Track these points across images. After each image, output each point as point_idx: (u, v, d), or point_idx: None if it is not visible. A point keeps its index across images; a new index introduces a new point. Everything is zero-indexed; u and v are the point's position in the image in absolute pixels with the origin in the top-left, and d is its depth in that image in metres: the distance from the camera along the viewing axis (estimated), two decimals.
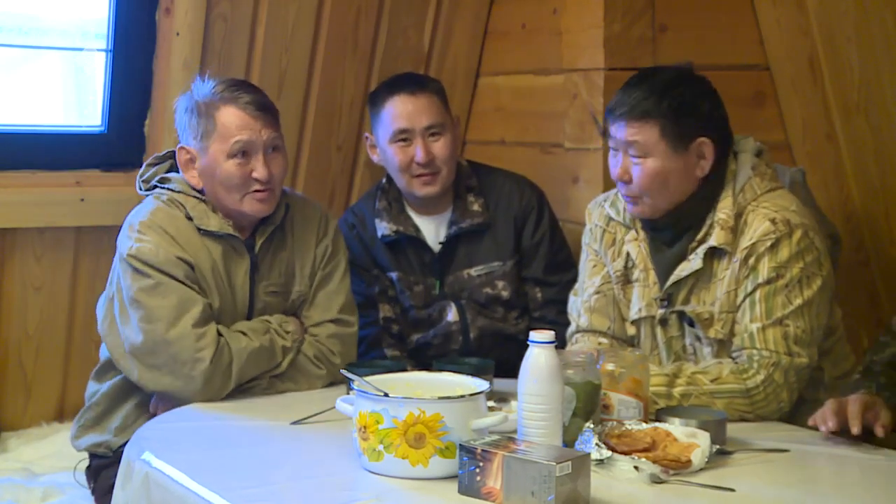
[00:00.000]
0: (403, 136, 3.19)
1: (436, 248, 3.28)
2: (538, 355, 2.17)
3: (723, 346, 2.65)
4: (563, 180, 3.49)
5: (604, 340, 2.78)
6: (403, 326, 3.29)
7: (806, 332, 2.58)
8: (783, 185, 2.79)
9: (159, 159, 2.92)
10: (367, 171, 3.88)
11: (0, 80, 3.57)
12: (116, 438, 2.83)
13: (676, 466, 2.14)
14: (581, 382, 2.28)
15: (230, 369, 2.70)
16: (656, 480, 2.10)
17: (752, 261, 2.60)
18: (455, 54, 3.90)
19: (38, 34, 3.58)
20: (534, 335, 2.18)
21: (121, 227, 2.83)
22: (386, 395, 2.12)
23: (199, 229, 2.78)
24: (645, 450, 2.17)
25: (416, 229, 3.27)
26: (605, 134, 3.10)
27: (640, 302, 2.77)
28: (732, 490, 2.07)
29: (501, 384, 2.56)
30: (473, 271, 3.27)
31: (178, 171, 2.87)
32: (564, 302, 3.00)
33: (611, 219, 2.84)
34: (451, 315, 3.26)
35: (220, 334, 2.72)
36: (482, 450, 2.00)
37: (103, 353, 2.90)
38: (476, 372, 2.42)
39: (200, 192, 2.82)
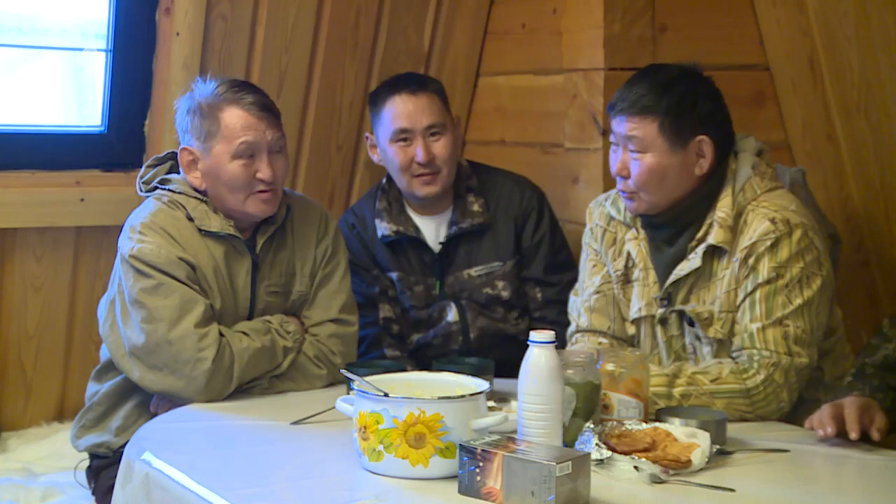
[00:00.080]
0: (404, 136, 3.19)
1: (436, 248, 3.28)
2: (538, 355, 2.17)
3: (722, 346, 2.65)
4: (563, 180, 3.49)
5: (604, 340, 2.78)
6: (403, 326, 3.29)
7: (806, 332, 2.58)
8: (783, 184, 2.79)
9: (159, 160, 2.92)
10: (367, 171, 3.88)
11: (0, 80, 3.57)
12: (117, 439, 2.83)
13: (676, 466, 2.14)
14: (581, 382, 2.28)
15: (232, 370, 2.70)
16: (656, 480, 2.10)
17: (751, 260, 2.60)
18: (455, 54, 3.90)
19: (38, 34, 3.58)
20: (534, 335, 2.18)
21: (121, 228, 2.82)
22: (386, 395, 2.12)
23: (200, 230, 2.78)
24: (645, 450, 2.17)
25: (417, 229, 3.27)
26: (604, 134, 3.10)
27: (639, 301, 2.77)
28: (732, 490, 2.07)
29: (501, 384, 2.56)
30: (473, 271, 3.27)
31: (178, 173, 2.87)
32: (564, 302, 3.00)
33: (612, 218, 2.84)
34: (451, 315, 3.26)
35: (221, 335, 2.72)
36: (482, 450, 2.00)
37: (104, 353, 2.90)
38: (476, 372, 2.42)
39: (202, 192, 2.82)
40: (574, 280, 2.98)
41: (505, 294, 3.27)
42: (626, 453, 2.15)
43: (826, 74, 3.48)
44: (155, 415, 2.75)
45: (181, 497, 2.13)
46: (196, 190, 2.83)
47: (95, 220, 3.52)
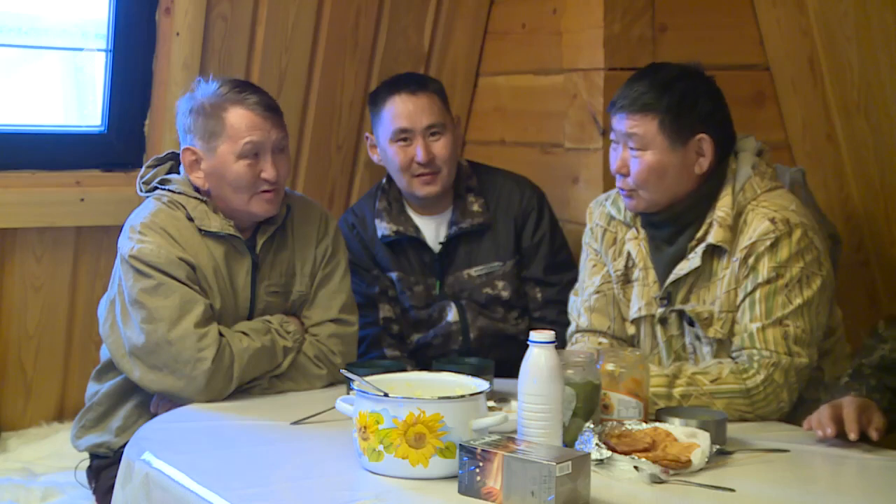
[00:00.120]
0: (404, 136, 3.19)
1: (436, 248, 3.28)
2: (538, 355, 2.17)
3: (722, 346, 2.65)
4: (563, 180, 3.49)
5: (604, 340, 2.78)
6: (403, 326, 3.29)
7: (806, 332, 2.58)
8: (783, 184, 2.79)
9: (159, 161, 2.93)
10: (367, 171, 3.88)
11: (0, 80, 3.57)
12: (117, 439, 2.84)
13: (676, 466, 2.14)
14: (581, 382, 2.28)
15: (232, 370, 2.70)
16: (656, 480, 2.10)
17: (751, 260, 2.60)
18: (455, 54, 3.90)
19: (38, 34, 3.58)
20: (534, 335, 2.18)
21: (121, 228, 2.83)
22: (386, 395, 2.12)
23: (200, 230, 2.78)
24: (645, 450, 2.17)
25: (417, 229, 3.27)
26: (604, 134, 3.10)
27: (639, 301, 2.77)
28: (732, 490, 2.07)
29: (501, 384, 2.56)
30: (473, 271, 3.27)
31: (178, 173, 2.87)
32: (564, 302, 3.00)
33: (612, 217, 2.84)
34: (451, 315, 3.26)
35: (221, 335, 2.72)
36: (482, 450, 2.00)
37: (104, 353, 2.90)
38: (476, 372, 2.42)
39: (205, 193, 2.82)
40: (574, 280, 2.98)
41: (505, 294, 3.27)
42: (626, 453, 2.15)
43: (826, 74, 3.48)
44: (155, 415, 2.75)
45: (181, 497, 2.13)
46: (197, 190, 2.83)
47: (95, 220, 3.52)
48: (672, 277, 2.70)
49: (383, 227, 3.27)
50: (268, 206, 2.81)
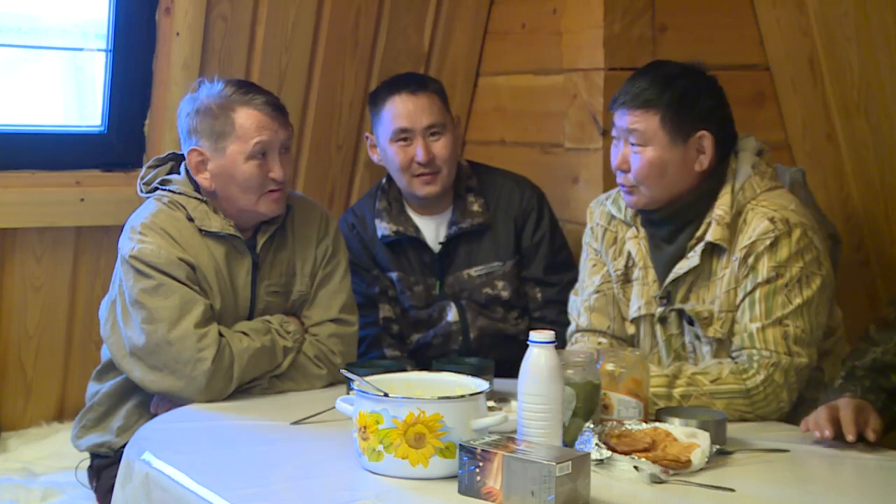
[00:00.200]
0: (404, 136, 3.19)
1: (436, 248, 3.28)
2: (538, 355, 2.17)
3: (722, 345, 2.66)
4: (563, 180, 3.49)
5: (603, 340, 2.78)
6: (403, 326, 3.29)
7: (805, 332, 2.58)
8: (783, 184, 2.80)
9: (160, 161, 2.93)
10: (367, 171, 3.88)
11: (0, 80, 3.57)
12: (118, 438, 2.84)
13: (676, 466, 2.14)
14: (581, 382, 2.28)
15: (232, 370, 2.70)
16: (656, 480, 2.10)
17: (751, 260, 2.60)
18: (455, 54, 3.90)
19: (38, 34, 3.58)
20: (534, 335, 2.18)
21: (121, 228, 2.83)
22: (386, 395, 2.12)
23: (200, 230, 2.79)
24: (645, 450, 2.17)
25: (416, 229, 3.27)
26: (604, 134, 3.10)
27: (639, 300, 2.77)
28: (732, 490, 2.07)
29: (501, 384, 2.56)
30: (473, 271, 3.27)
31: (178, 173, 2.87)
32: (564, 302, 3.00)
33: (612, 217, 2.84)
34: (451, 315, 3.26)
35: (221, 335, 2.72)
36: (482, 450, 2.00)
37: (104, 354, 2.90)
38: (476, 372, 2.42)
39: (211, 194, 2.82)
40: (574, 280, 2.98)
41: (505, 294, 3.27)
42: (626, 453, 2.15)
43: (826, 74, 3.48)
44: (155, 415, 2.75)
45: (181, 497, 2.13)
46: (197, 190, 2.83)
47: (95, 220, 3.52)
48: (671, 276, 2.70)
49: (383, 227, 3.27)
50: (275, 205, 2.82)
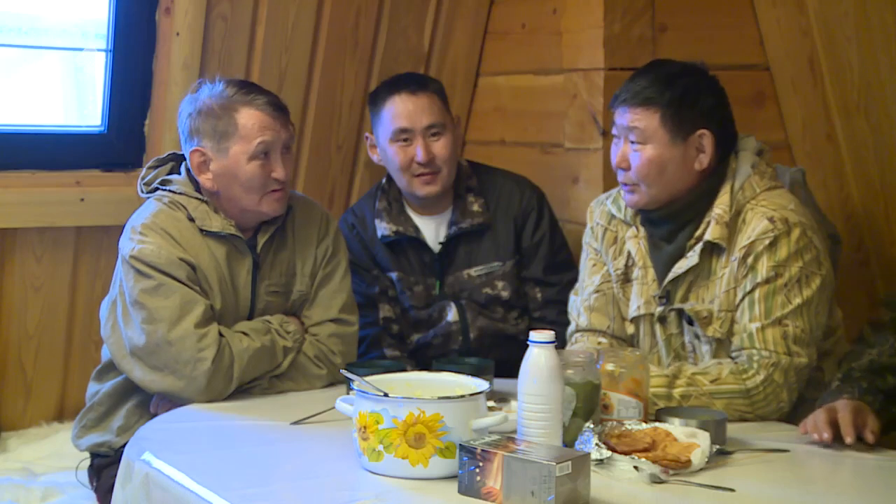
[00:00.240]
0: (404, 136, 3.19)
1: (436, 248, 3.28)
2: (538, 355, 2.17)
3: (721, 345, 2.66)
4: (563, 180, 3.49)
5: (603, 340, 2.78)
6: (403, 326, 3.29)
7: (805, 332, 2.58)
8: (783, 184, 2.80)
9: (160, 162, 2.93)
10: (367, 171, 3.88)
11: (0, 80, 3.57)
12: (118, 438, 2.84)
13: (676, 466, 2.14)
14: (581, 382, 2.28)
15: (232, 370, 2.70)
16: (656, 480, 2.10)
17: (750, 259, 2.60)
18: (455, 54, 3.90)
19: (38, 34, 3.58)
20: (534, 335, 2.18)
21: (122, 228, 2.83)
22: (386, 395, 2.12)
23: (201, 230, 2.79)
24: (645, 450, 2.17)
25: (416, 229, 3.28)
26: (604, 134, 3.10)
27: (638, 299, 2.77)
28: (732, 490, 2.07)
29: (501, 384, 2.56)
30: (473, 271, 3.27)
31: (179, 174, 2.88)
32: (564, 302, 3.00)
33: (612, 216, 2.84)
34: (451, 315, 3.26)
35: (221, 335, 2.72)
36: (482, 450, 2.00)
37: (105, 354, 2.90)
38: (476, 372, 2.42)
39: (213, 194, 2.82)
40: (574, 280, 2.98)
41: (505, 294, 3.27)
42: (626, 453, 2.15)
43: (826, 74, 3.48)
44: (155, 415, 2.75)
45: (181, 497, 2.13)
46: (198, 190, 2.83)
47: (95, 220, 3.52)
48: (671, 276, 2.70)
49: (383, 227, 3.27)
50: (277, 205, 2.82)
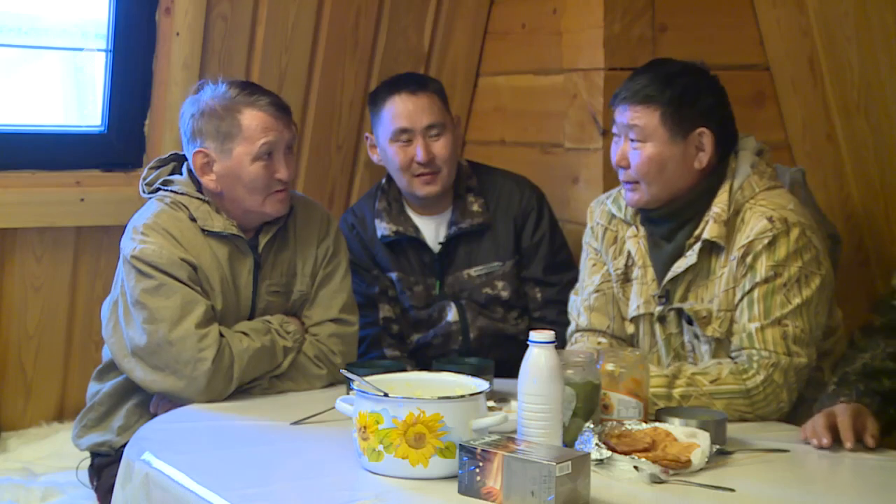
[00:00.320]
0: (404, 136, 3.19)
1: (435, 248, 3.28)
2: (538, 355, 2.17)
3: (720, 345, 2.66)
4: (563, 180, 3.49)
5: (603, 340, 2.78)
6: (403, 326, 3.29)
7: (805, 332, 2.58)
8: (783, 184, 2.80)
9: (162, 162, 2.93)
10: (367, 171, 3.88)
11: (0, 80, 3.57)
12: (119, 437, 2.84)
13: (676, 466, 2.14)
14: (581, 382, 2.28)
15: (232, 370, 2.71)
16: (656, 480, 2.10)
17: (749, 259, 2.60)
18: (455, 54, 3.90)
19: (38, 34, 3.58)
20: (534, 335, 2.18)
21: (123, 228, 2.83)
22: (386, 395, 2.12)
23: (203, 230, 2.79)
24: (645, 450, 2.17)
25: (416, 230, 3.27)
26: (604, 134, 3.10)
27: (638, 299, 2.77)
28: (732, 490, 2.07)
29: (501, 384, 2.56)
30: (473, 271, 3.27)
31: (180, 174, 2.88)
32: (564, 302, 3.00)
33: (613, 216, 2.84)
34: (451, 315, 3.26)
35: (221, 335, 2.72)
36: (482, 450, 2.00)
37: (105, 354, 2.91)
38: (476, 372, 2.42)
39: (216, 195, 2.82)
40: (574, 280, 2.98)
41: (504, 294, 3.27)
42: (626, 453, 2.15)
43: (826, 74, 3.48)
44: (155, 415, 2.75)
45: (181, 497, 2.13)
46: (199, 191, 2.83)
47: (95, 220, 3.52)
48: (670, 275, 2.70)
49: (383, 228, 3.27)
50: (280, 205, 2.83)
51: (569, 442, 2.22)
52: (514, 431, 2.18)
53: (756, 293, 2.59)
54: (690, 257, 2.67)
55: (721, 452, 2.24)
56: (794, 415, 2.59)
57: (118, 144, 3.56)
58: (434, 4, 3.84)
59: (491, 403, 2.42)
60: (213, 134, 2.78)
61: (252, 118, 2.78)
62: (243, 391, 2.76)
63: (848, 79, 3.45)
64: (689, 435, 2.23)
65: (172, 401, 2.74)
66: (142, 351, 2.70)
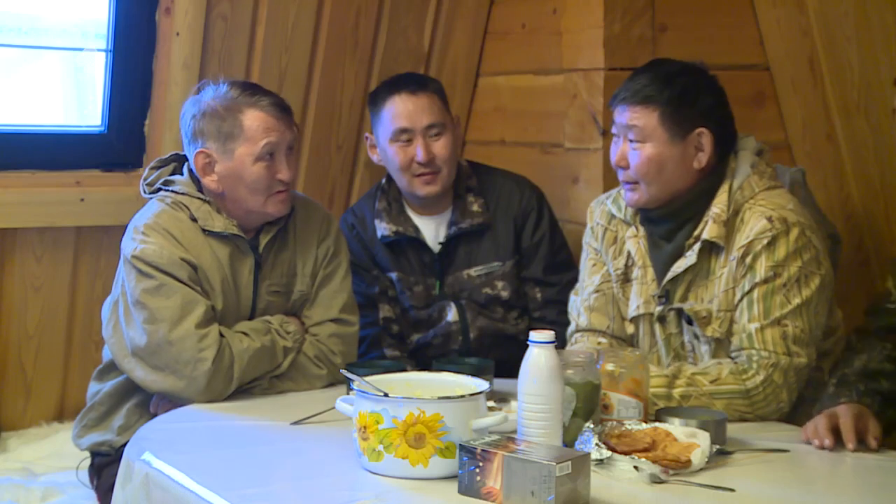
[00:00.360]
0: (404, 136, 3.19)
1: (435, 248, 3.28)
2: (538, 355, 2.17)
3: (720, 345, 2.66)
4: (563, 180, 3.49)
5: (603, 340, 2.78)
6: (403, 326, 3.29)
7: (805, 332, 2.58)
8: (782, 184, 2.80)
9: (162, 162, 2.93)
10: (367, 171, 3.88)
11: (0, 80, 3.57)
12: (119, 437, 2.84)
13: (676, 466, 2.14)
14: (581, 382, 2.28)
15: (232, 370, 2.71)
16: (656, 480, 2.10)
17: (749, 259, 2.60)
18: (455, 54, 3.90)
19: (38, 34, 3.58)
20: (534, 335, 2.18)
21: (123, 228, 2.83)
22: (386, 395, 2.12)
23: (203, 230, 2.79)
24: (645, 450, 2.17)
25: (416, 230, 3.27)
26: (604, 134, 3.10)
27: (638, 299, 2.77)
28: (732, 490, 2.07)
29: (501, 384, 2.56)
30: (473, 271, 3.27)
31: (181, 174, 2.88)
32: (564, 302, 3.00)
33: (613, 216, 2.84)
34: (451, 315, 3.26)
35: (221, 335, 2.72)
36: (482, 450, 2.00)
37: (106, 354, 2.91)
38: (476, 372, 2.42)
39: (218, 195, 2.82)
40: (574, 280, 2.98)
41: (504, 294, 3.27)
42: (626, 453, 2.15)
43: (826, 74, 3.48)
44: (155, 415, 2.76)
45: (181, 497, 2.13)
46: (200, 191, 2.83)
47: (95, 220, 3.52)
48: (670, 275, 2.70)
49: (383, 228, 3.27)
50: (282, 206, 2.83)
51: (569, 442, 2.22)
52: (514, 431, 2.18)
53: (756, 293, 2.59)
54: (690, 257, 2.67)
55: (721, 452, 2.24)
56: (794, 415, 2.59)
57: (118, 144, 3.56)
58: (434, 4, 3.84)
59: (491, 403, 2.42)
60: (215, 134, 2.78)
61: (254, 119, 2.78)
62: (243, 391, 2.76)
63: (848, 79, 3.46)
64: (689, 435, 2.23)
65: (172, 401, 2.74)
66: (142, 351, 2.71)
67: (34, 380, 3.59)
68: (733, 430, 2.39)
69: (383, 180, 3.34)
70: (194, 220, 2.79)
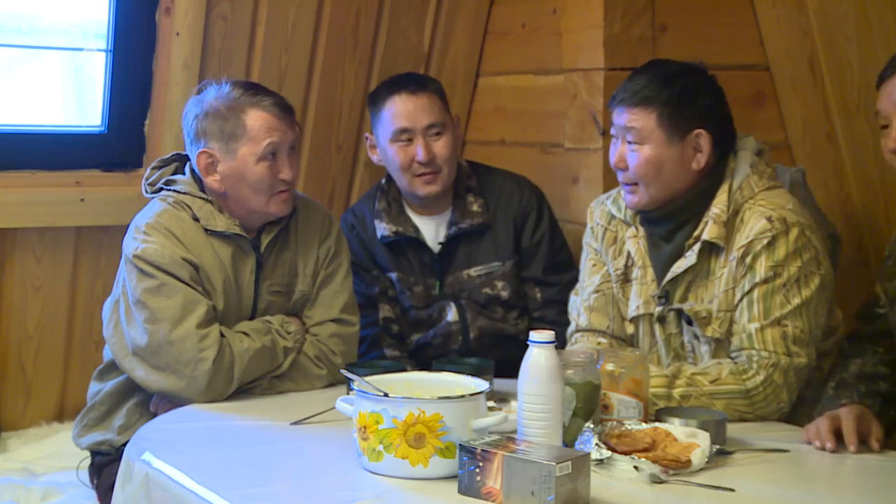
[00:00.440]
0: (404, 136, 3.19)
1: (435, 248, 3.28)
2: (538, 355, 2.17)
3: (720, 345, 2.66)
4: (563, 180, 3.49)
5: (603, 340, 2.78)
6: (403, 326, 3.30)
7: (805, 332, 2.58)
8: (782, 184, 2.80)
9: (164, 162, 2.93)
10: (367, 171, 3.88)
11: (0, 80, 3.57)
12: (119, 437, 2.84)
13: (676, 466, 2.14)
14: (581, 382, 2.28)
15: (232, 370, 2.71)
16: (656, 480, 2.10)
17: (748, 259, 2.60)
18: (455, 54, 3.90)
19: (38, 34, 3.58)
20: (534, 335, 2.18)
21: (123, 228, 2.83)
22: (386, 395, 2.12)
23: (205, 230, 2.79)
24: (645, 450, 2.17)
25: (416, 230, 3.27)
26: (604, 134, 3.10)
27: (637, 299, 2.77)
28: (732, 490, 2.07)
29: (501, 384, 2.56)
30: (473, 271, 3.27)
31: (183, 174, 2.88)
32: (564, 302, 3.00)
33: (612, 216, 2.84)
34: (451, 315, 3.26)
35: (222, 335, 2.72)
36: (482, 450, 2.00)
37: (106, 353, 2.91)
38: (476, 372, 2.42)
39: (220, 195, 2.82)
40: (574, 280, 2.98)
41: (504, 294, 3.27)
42: (626, 453, 2.15)
43: (826, 74, 3.48)
44: (155, 414, 2.76)
45: (181, 497, 2.13)
46: (202, 190, 2.83)
47: (95, 220, 3.52)
48: (669, 276, 2.70)
49: (383, 228, 3.27)
50: (284, 206, 2.83)
51: (569, 442, 2.22)
52: (514, 431, 2.18)
53: (755, 293, 2.59)
54: (690, 258, 2.67)
55: (721, 452, 2.24)
56: (794, 415, 2.59)
57: (118, 144, 3.56)
58: (434, 4, 3.84)
59: (491, 403, 2.42)
60: (218, 134, 2.78)
61: (256, 119, 2.78)
62: (243, 391, 2.76)
63: (848, 79, 3.45)
64: (689, 435, 2.23)
65: (172, 401, 2.74)
66: (143, 351, 2.71)
67: (34, 380, 3.59)
68: (733, 430, 2.39)
69: (383, 180, 3.34)
70: (196, 219, 2.80)
